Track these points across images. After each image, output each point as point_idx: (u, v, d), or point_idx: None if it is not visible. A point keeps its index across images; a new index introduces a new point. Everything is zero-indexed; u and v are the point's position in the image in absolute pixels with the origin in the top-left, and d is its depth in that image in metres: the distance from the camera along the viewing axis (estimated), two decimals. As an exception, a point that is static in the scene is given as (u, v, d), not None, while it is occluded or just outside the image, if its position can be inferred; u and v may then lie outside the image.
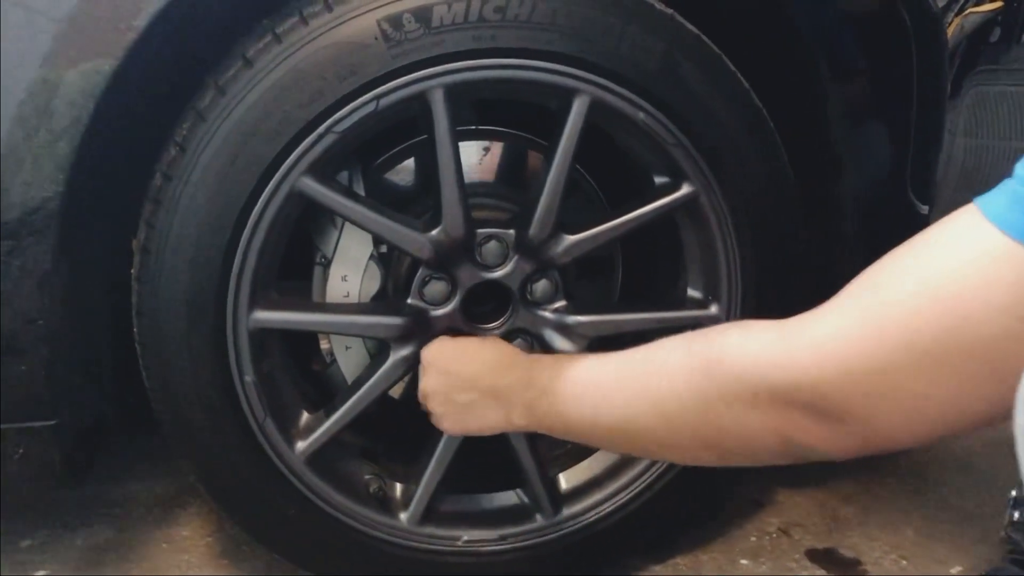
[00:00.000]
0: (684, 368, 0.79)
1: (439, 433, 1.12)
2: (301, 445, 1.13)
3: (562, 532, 1.21)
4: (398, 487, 1.20)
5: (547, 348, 1.15)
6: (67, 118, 0.95)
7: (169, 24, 0.96)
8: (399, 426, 1.20)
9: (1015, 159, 0.64)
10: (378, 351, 1.18)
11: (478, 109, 1.25)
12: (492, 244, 1.11)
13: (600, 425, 0.88)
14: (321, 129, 1.01)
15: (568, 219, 1.12)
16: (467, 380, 1.01)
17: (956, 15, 2.44)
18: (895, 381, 0.65)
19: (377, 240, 1.17)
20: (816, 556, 1.35)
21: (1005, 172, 0.65)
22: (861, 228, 1.22)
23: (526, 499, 1.22)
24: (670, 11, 1.06)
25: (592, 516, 1.20)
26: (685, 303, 1.19)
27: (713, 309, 1.16)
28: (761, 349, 0.73)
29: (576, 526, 1.21)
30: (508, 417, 0.98)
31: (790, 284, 1.16)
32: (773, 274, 1.16)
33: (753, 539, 1.39)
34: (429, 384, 1.04)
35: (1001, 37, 2.24)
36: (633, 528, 1.23)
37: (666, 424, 0.81)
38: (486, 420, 1.00)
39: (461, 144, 1.09)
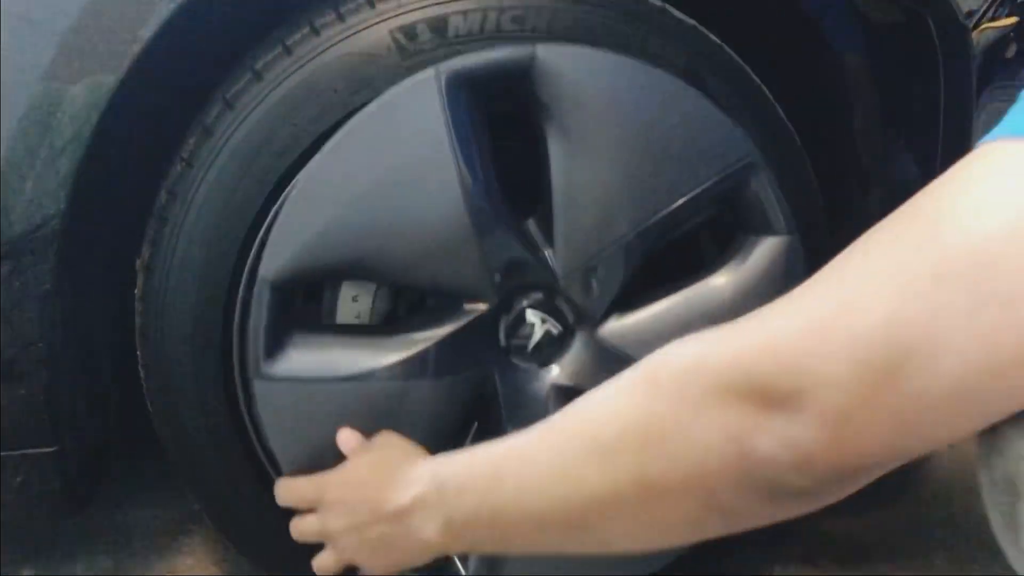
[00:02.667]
0: (627, 386, 0.65)
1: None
2: (311, 473, 1.09)
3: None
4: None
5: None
6: (69, 133, 0.91)
7: (175, 35, 0.93)
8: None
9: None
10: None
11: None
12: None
13: (526, 498, 0.69)
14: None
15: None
16: (367, 512, 0.84)
17: (971, 30, 2.41)
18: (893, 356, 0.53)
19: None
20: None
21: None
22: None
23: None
24: (692, 22, 1.02)
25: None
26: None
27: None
28: (713, 341, 0.61)
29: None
30: (428, 539, 0.78)
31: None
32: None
33: (777, 568, 1.34)
34: (329, 524, 0.89)
35: (1017, 53, 2.20)
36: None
37: (601, 464, 0.64)
38: (409, 551, 0.81)
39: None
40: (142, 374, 1.05)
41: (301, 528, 0.96)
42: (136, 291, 1.04)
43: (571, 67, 0.96)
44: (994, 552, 1.34)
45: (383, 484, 0.83)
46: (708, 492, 0.61)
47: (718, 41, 1.03)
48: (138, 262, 1.04)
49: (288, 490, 0.97)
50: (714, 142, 1.00)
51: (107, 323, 1.11)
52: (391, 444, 0.93)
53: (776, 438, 0.56)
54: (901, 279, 0.54)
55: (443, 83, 0.94)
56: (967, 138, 1.21)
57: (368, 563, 0.88)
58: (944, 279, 0.52)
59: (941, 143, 1.17)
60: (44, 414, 1.00)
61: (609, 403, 0.66)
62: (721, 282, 1.04)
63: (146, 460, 1.24)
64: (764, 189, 1.03)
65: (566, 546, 0.70)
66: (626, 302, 1.05)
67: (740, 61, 1.05)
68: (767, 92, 1.06)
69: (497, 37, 0.97)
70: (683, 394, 0.60)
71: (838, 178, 1.15)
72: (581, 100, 0.97)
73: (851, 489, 0.59)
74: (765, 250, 1.05)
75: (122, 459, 1.25)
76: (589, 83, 0.96)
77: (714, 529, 0.63)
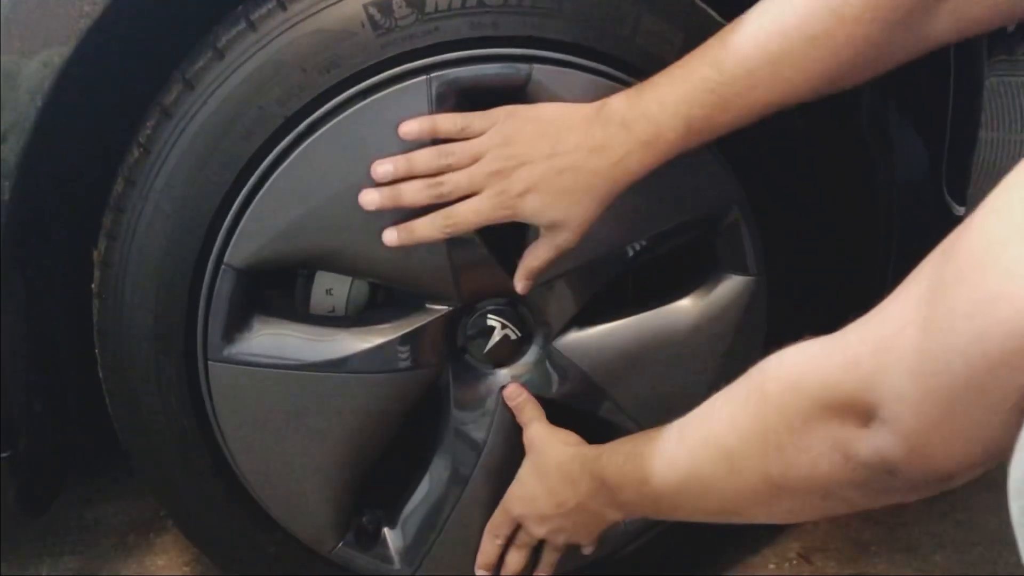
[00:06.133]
0: (741, 396, 0.72)
1: (426, 464, 1.07)
2: (282, 478, 1.04)
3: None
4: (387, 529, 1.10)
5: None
6: (11, 117, 0.84)
7: (129, 9, 0.86)
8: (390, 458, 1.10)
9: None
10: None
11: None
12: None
13: (675, 493, 0.81)
14: (301, 128, 0.90)
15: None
16: (556, 513, 0.97)
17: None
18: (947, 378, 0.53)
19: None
20: (839, 585, 1.26)
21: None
22: (896, 233, 1.12)
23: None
24: (690, -4, 0.96)
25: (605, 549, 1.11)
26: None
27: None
28: (815, 353, 0.65)
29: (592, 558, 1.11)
30: (607, 518, 0.95)
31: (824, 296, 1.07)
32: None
33: (772, 566, 1.30)
34: (538, 532, 1.01)
35: (1017, 27, 2.15)
36: (646, 559, 1.15)
37: (730, 468, 0.73)
38: (601, 522, 0.97)
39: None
40: (101, 375, 0.99)
41: (518, 555, 1.05)
42: (93, 286, 0.97)
43: (566, 91, 0.92)
44: (995, 549, 1.31)
45: (555, 490, 0.96)
46: (825, 490, 0.67)
47: (719, 18, 0.96)
48: (95, 255, 0.97)
49: (492, 529, 1.05)
50: (697, 182, 0.99)
51: (64, 320, 1.05)
52: (545, 450, 1.00)
53: (870, 447, 0.60)
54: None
55: (433, 93, 0.91)
56: (976, 121, 1.15)
57: (579, 539, 1.00)
58: None
59: (950, 125, 1.12)
60: (-5, 419, 0.94)
61: (727, 412, 0.74)
62: (682, 311, 1.05)
63: (114, 455, 1.19)
64: (740, 230, 1.03)
65: (721, 521, 0.82)
66: (586, 316, 1.05)
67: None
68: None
69: (479, 11, 0.90)
70: (789, 408, 0.66)
71: (843, 161, 1.09)
72: None
73: (956, 484, 0.61)
74: (731, 287, 1.04)
75: (88, 456, 1.19)
76: None
77: (842, 511, 0.70)
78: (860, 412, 0.60)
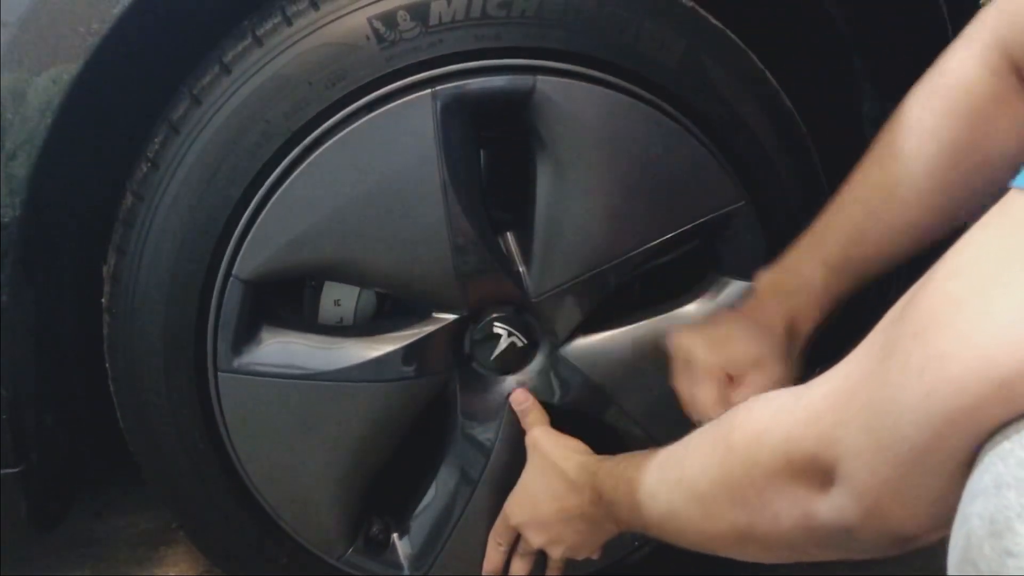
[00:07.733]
0: (710, 443, 0.73)
1: (434, 471, 1.07)
2: (294, 489, 1.04)
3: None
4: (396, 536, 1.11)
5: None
6: (22, 134, 0.85)
7: (136, 27, 0.87)
8: (398, 468, 1.10)
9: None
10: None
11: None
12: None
13: (658, 523, 0.81)
14: (308, 141, 0.91)
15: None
16: (559, 519, 0.97)
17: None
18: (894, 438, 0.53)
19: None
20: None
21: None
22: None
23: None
24: (691, 4, 0.96)
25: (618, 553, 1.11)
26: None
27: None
28: (778, 407, 0.66)
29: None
30: (607, 529, 0.95)
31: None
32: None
33: (782, 568, 1.30)
34: (537, 541, 1.01)
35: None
36: (656, 559, 1.15)
37: (702, 511, 0.73)
38: (598, 540, 0.97)
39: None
40: (112, 388, 1.00)
41: (522, 563, 1.06)
42: (103, 300, 0.98)
43: (570, 101, 0.94)
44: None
45: (558, 495, 0.96)
46: (789, 543, 0.67)
47: (719, 24, 0.97)
48: (104, 269, 0.98)
49: (494, 536, 1.06)
50: (703, 187, 1.00)
51: (77, 333, 1.05)
52: (549, 454, 0.99)
53: (829, 509, 0.60)
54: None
55: (438, 105, 0.92)
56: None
57: (578, 552, 1.00)
58: None
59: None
60: (6, 434, 0.94)
61: (699, 456, 0.75)
62: (688, 316, 1.04)
63: (125, 468, 1.19)
64: (746, 235, 1.03)
65: (703, 552, 0.79)
66: (592, 323, 1.05)
67: (742, 45, 0.99)
68: (771, 77, 1.00)
69: (483, 24, 0.90)
70: (753, 461, 0.66)
71: (844, 170, 1.10)
72: (575, 135, 0.95)
73: (922, 544, 0.58)
74: (735, 292, 1.04)
75: (99, 469, 1.20)
76: (586, 119, 0.95)
77: (814, 560, 0.69)
78: (820, 471, 0.59)
